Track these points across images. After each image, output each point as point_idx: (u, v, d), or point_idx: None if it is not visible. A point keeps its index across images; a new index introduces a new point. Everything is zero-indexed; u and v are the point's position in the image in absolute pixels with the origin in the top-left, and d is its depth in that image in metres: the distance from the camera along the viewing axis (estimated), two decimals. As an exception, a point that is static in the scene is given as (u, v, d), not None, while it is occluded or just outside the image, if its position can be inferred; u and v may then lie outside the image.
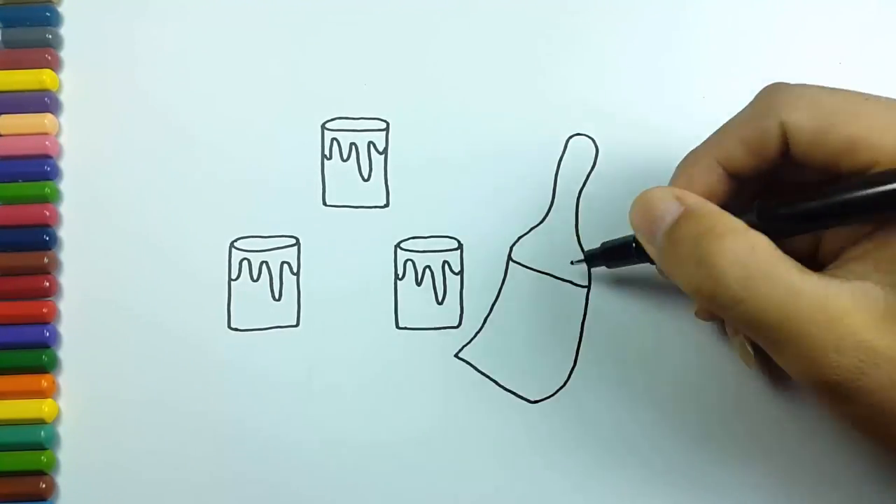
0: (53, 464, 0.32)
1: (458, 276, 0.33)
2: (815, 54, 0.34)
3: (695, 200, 0.26)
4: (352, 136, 0.34)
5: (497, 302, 0.33)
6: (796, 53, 0.34)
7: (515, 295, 0.33)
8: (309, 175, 0.34)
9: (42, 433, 0.32)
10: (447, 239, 0.33)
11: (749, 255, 0.24)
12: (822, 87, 0.25)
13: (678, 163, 0.28)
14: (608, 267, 0.32)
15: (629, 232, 0.29)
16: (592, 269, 0.33)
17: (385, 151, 0.34)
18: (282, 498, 0.32)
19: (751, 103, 0.27)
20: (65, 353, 0.33)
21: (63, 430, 0.33)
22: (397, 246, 0.33)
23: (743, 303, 0.24)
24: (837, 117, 0.24)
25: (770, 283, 0.23)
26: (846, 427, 0.25)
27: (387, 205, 0.34)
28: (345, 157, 0.34)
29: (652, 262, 0.28)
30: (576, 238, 0.33)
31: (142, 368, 0.33)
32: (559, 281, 0.33)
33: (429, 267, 0.33)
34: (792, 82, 0.26)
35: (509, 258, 0.33)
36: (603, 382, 0.32)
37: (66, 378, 0.33)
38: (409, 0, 0.35)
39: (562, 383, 0.32)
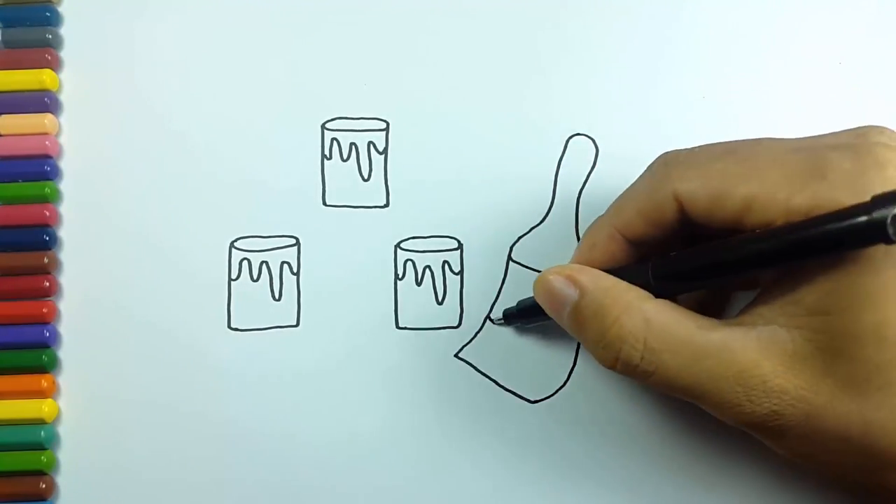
0: (53, 464, 0.32)
1: (458, 276, 0.33)
2: (815, 54, 0.34)
3: (588, 279, 0.27)
4: (352, 136, 0.34)
5: (497, 302, 0.33)
6: (796, 53, 0.34)
7: (515, 295, 0.33)
8: (309, 175, 0.34)
9: (42, 433, 0.32)
10: (447, 239, 0.33)
11: (646, 330, 0.25)
12: (712, 148, 0.26)
13: (584, 230, 0.29)
14: (523, 325, 0.32)
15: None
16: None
17: (385, 151, 0.34)
18: (282, 498, 0.32)
19: (645, 174, 0.27)
20: (65, 353, 0.33)
21: (63, 430, 0.33)
22: (397, 246, 0.33)
23: (653, 375, 0.25)
24: (728, 182, 0.24)
25: (672, 354, 0.24)
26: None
27: (387, 205, 0.34)
28: (345, 157, 0.34)
29: None
30: (576, 238, 0.33)
31: (142, 368, 0.33)
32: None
33: (429, 267, 0.33)
34: (681, 149, 0.26)
35: (509, 258, 0.33)
36: (603, 382, 0.32)
37: (66, 378, 0.33)
38: (409, 0, 0.35)
39: (562, 383, 0.32)
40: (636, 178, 0.28)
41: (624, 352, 0.25)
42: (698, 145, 0.26)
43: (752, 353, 0.24)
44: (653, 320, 0.25)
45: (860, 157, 0.23)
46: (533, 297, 0.29)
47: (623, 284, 0.26)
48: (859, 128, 0.24)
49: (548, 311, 0.28)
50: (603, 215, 0.28)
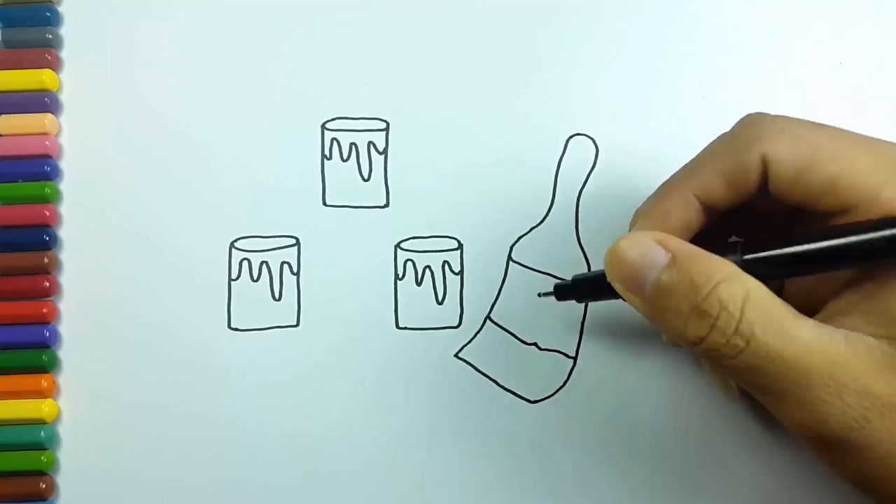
0: (53, 464, 0.32)
1: (458, 276, 0.33)
2: (815, 54, 0.34)
3: (679, 245, 0.24)
4: (352, 136, 0.34)
5: (497, 302, 0.33)
6: (796, 53, 0.34)
7: (515, 295, 0.33)
8: (309, 175, 0.34)
9: (42, 433, 0.32)
10: (447, 239, 0.33)
11: (746, 300, 0.23)
12: (805, 122, 0.24)
13: (651, 194, 0.27)
14: (577, 301, 0.31)
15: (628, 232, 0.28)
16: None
17: (385, 151, 0.34)
18: (282, 497, 0.32)
19: (730, 133, 0.26)
20: (65, 353, 0.33)
21: (63, 430, 0.33)
22: (397, 246, 0.33)
23: (743, 353, 0.23)
24: (820, 155, 0.23)
25: (768, 332, 0.22)
26: (843, 480, 0.24)
27: (387, 205, 0.34)
28: (345, 157, 0.34)
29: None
30: (576, 238, 0.33)
31: (142, 368, 0.33)
32: (559, 281, 0.33)
33: (429, 267, 0.33)
34: (772, 113, 0.25)
35: (509, 258, 0.33)
36: (603, 382, 0.32)
37: (66, 378, 0.33)
38: (409, 0, 0.34)
39: (562, 383, 0.32)
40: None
41: (721, 320, 0.23)
42: (784, 115, 0.24)
43: (843, 351, 0.22)
44: (753, 293, 0.23)
45: None
46: (591, 273, 0.27)
47: (717, 257, 0.24)
48: None
49: (622, 281, 0.25)
50: (674, 178, 0.26)
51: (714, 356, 0.24)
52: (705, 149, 0.26)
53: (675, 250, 0.24)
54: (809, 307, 0.24)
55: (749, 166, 0.24)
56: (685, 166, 0.26)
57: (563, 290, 0.30)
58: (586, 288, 0.29)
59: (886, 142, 0.23)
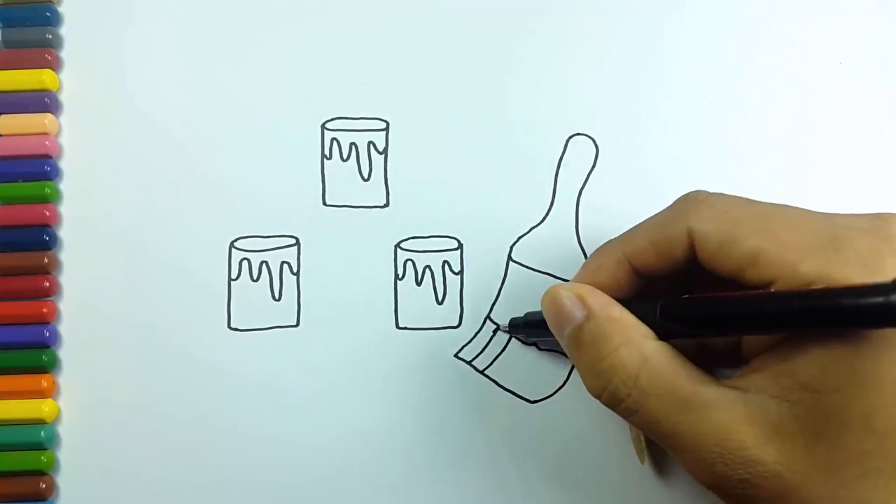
0: (53, 464, 0.32)
1: (458, 276, 0.33)
2: (815, 54, 0.34)
3: (596, 302, 0.26)
4: (352, 136, 0.34)
5: (497, 302, 0.33)
6: (796, 53, 0.34)
7: (515, 295, 0.33)
8: (309, 175, 0.34)
9: (42, 433, 0.32)
10: (447, 239, 0.33)
11: (640, 367, 0.25)
12: (736, 198, 0.25)
13: (593, 251, 0.29)
14: (526, 338, 0.32)
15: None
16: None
17: (385, 151, 0.34)
18: (281, 497, 0.32)
19: (666, 207, 0.27)
20: (65, 353, 0.33)
21: (63, 430, 0.33)
22: (397, 246, 0.33)
23: (636, 414, 0.25)
24: (741, 229, 0.24)
25: (659, 398, 0.24)
26: None
27: (387, 205, 0.34)
28: (345, 157, 0.34)
29: None
30: (576, 238, 0.33)
31: (142, 368, 0.33)
32: (559, 281, 0.33)
33: (429, 267, 0.33)
34: (708, 190, 0.26)
35: (509, 258, 0.33)
36: (603, 382, 0.32)
37: (66, 378, 0.33)
38: (409, 0, 0.35)
39: (561, 383, 0.32)
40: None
41: (613, 384, 0.25)
42: (720, 193, 0.26)
43: (737, 417, 0.23)
44: (650, 360, 0.25)
45: (878, 241, 0.23)
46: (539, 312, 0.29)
47: (630, 318, 0.26)
48: (881, 214, 0.24)
49: (550, 326, 0.28)
50: (613, 239, 0.28)
51: (615, 411, 0.26)
52: (643, 220, 0.28)
53: (591, 307, 0.26)
54: (741, 357, 0.27)
55: (676, 239, 0.26)
56: (624, 232, 0.28)
57: (516, 326, 0.32)
58: (532, 327, 0.31)
59: (811, 213, 0.24)
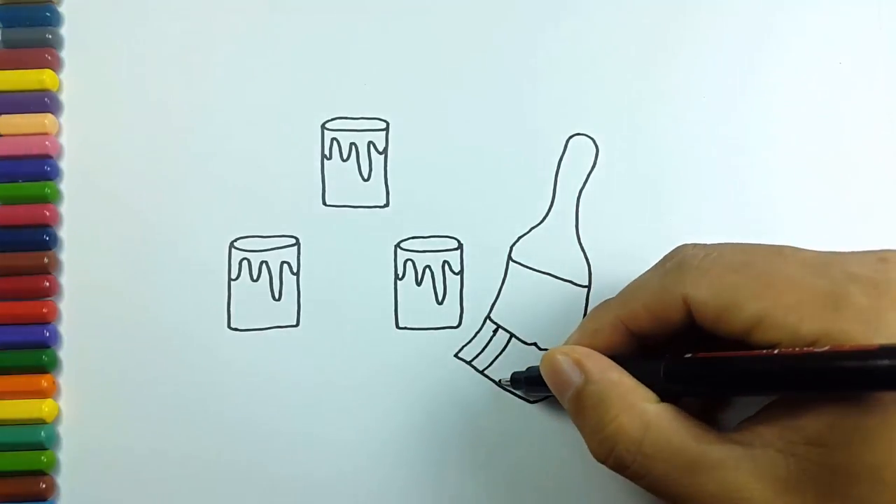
0: (53, 464, 0.32)
1: (458, 276, 0.33)
2: (815, 54, 0.34)
3: (595, 367, 0.26)
4: (352, 136, 0.34)
5: (497, 302, 0.33)
6: (796, 53, 0.34)
7: (515, 295, 0.33)
8: (309, 175, 0.34)
9: (42, 433, 0.32)
10: (447, 239, 0.33)
11: (644, 433, 0.24)
12: (730, 257, 0.25)
13: (589, 311, 0.29)
14: (526, 394, 0.32)
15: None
16: (593, 272, 0.33)
17: (385, 151, 0.34)
18: (282, 497, 0.32)
19: (657, 268, 0.27)
20: (65, 353, 0.33)
21: (63, 430, 0.33)
22: (397, 246, 0.33)
23: (643, 479, 0.25)
24: (740, 295, 0.24)
25: (666, 462, 0.24)
26: None
27: (387, 205, 0.34)
28: (345, 157, 0.34)
29: None
30: (576, 238, 0.33)
31: (142, 368, 0.33)
32: (559, 281, 0.33)
33: (429, 267, 0.33)
34: (700, 246, 0.26)
35: (509, 258, 0.33)
36: (603, 382, 0.32)
37: (66, 378, 0.33)
38: (409, 0, 0.34)
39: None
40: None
41: (617, 451, 0.25)
42: (715, 246, 0.26)
43: (744, 474, 0.23)
44: (652, 425, 0.25)
45: (879, 295, 0.22)
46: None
47: (630, 381, 0.26)
48: (883, 255, 0.24)
49: (551, 389, 0.28)
50: (609, 301, 0.28)
51: (623, 475, 0.26)
52: (638, 279, 0.28)
53: (589, 372, 0.26)
54: (747, 410, 0.26)
55: (672, 305, 0.26)
56: (621, 292, 0.28)
57: (517, 381, 0.31)
58: (533, 384, 0.31)
59: (807, 267, 0.24)
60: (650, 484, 0.25)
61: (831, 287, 0.23)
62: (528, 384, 0.31)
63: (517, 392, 0.32)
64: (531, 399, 0.32)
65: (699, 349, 0.26)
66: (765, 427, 0.24)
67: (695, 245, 0.26)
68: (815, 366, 0.22)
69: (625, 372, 0.26)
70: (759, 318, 0.23)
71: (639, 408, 0.25)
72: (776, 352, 0.23)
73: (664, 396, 0.26)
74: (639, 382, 0.26)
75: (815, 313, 0.23)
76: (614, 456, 0.25)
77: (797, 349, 0.22)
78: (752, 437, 0.24)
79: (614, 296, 0.28)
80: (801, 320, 0.23)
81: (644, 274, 0.28)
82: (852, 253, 0.24)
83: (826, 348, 0.22)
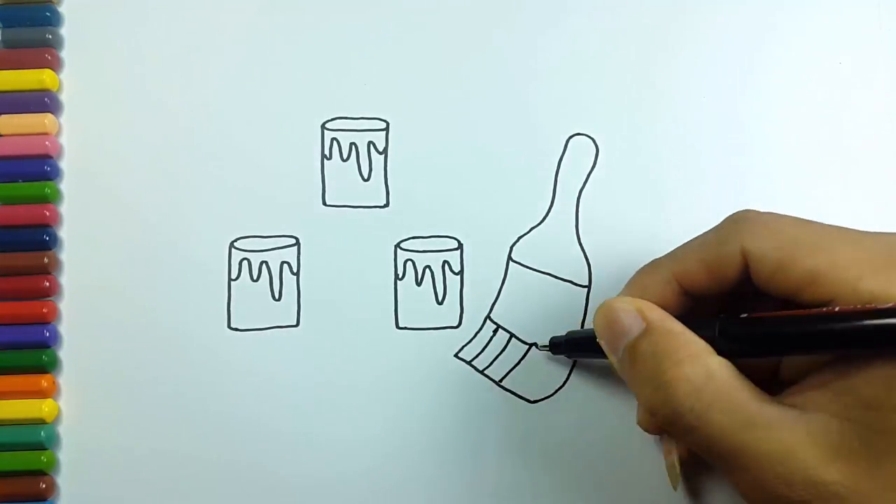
0: (53, 464, 0.32)
1: (458, 276, 0.33)
2: (815, 54, 0.34)
3: (657, 316, 0.26)
4: (352, 136, 0.34)
5: (497, 302, 0.33)
6: (796, 53, 0.34)
7: (515, 295, 0.33)
8: (309, 175, 0.34)
9: (42, 433, 0.32)
10: (447, 239, 0.33)
11: (705, 382, 0.24)
12: (788, 218, 0.25)
13: (637, 270, 0.28)
14: (568, 357, 0.32)
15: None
16: (593, 272, 0.33)
17: (385, 151, 0.34)
18: (282, 497, 0.32)
19: (716, 227, 0.27)
20: (65, 353, 0.33)
21: (63, 430, 0.33)
22: (397, 246, 0.33)
23: (696, 430, 0.24)
24: (799, 250, 0.24)
25: (724, 414, 0.24)
26: None
27: (387, 205, 0.34)
28: (345, 157, 0.34)
29: None
30: (576, 238, 0.33)
31: (142, 368, 0.33)
32: (559, 281, 0.33)
33: (429, 267, 0.33)
34: (759, 209, 0.26)
35: (509, 258, 0.33)
36: (602, 382, 0.32)
37: (66, 378, 0.33)
38: (410, 0, 0.35)
39: (561, 383, 0.32)
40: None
41: (676, 398, 0.24)
42: (769, 211, 0.26)
43: (798, 436, 0.23)
44: (715, 375, 0.24)
45: None
46: (584, 330, 0.29)
47: (691, 334, 0.25)
48: None
49: (603, 340, 0.27)
50: (660, 259, 0.28)
51: (670, 429, 0.25)
52: (692, 239, 0.27)
53: (651, 321, 0.26)
54: (794, 375, 0.26)
55: (730, 259, 0.25)
56: (672, 251, 0.28)
57: (557, 345, 0.31)
58: (579, 344, 0.30)
59: (865, 233, 0.24)
60: (699, 437, 0.24)
61: (890, 247, 0.23)
62: (570, 347, 0.30)
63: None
64: (531, 399, 0.32)
65: (749, 313, 0.25)
66: (817, 392, 0.24)
67: (746, 209, 0.26)
68: (880, 322, 0.21)
69: (685, 326, 0.25)
70: (817, 273, 0.23)
71: (703, 357, 0.24)
72: (836, 309, 0.23)
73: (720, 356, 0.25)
74: (698, 337, 0.25)
75: (874, 271, 0.22)
76: (671, 403, 0.24)
77: (858, 306, 0.22)
78: (805, 401, 0.24)
79: (663, 255, 0.28)
80: (859, 277, 0.22)
81: (695, 237, 0.27)
82: None
83: (892, 304, 0.22)
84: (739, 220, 0.26)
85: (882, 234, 0.24)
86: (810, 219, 0.25)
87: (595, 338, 0.28)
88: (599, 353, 0.27)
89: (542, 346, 0.32)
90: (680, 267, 0.27)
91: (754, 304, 0.26)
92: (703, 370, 0.24)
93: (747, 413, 0.23)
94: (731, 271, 0.25)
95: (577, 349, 0.31)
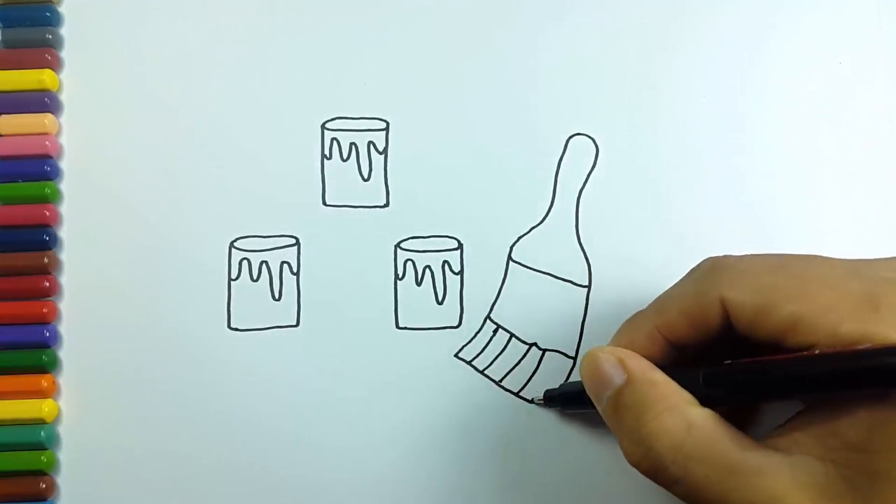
0: (53, 464, 0.32)
1: (458, 276, 0.33)
2: (815, 54, 0.34)
3: (638, 367, 0.26)
4: (352, 136, 0.34)
5: (497, 302, 0.33)
6: (796, 53, 0.34)
7: (515, 295, 0.33)
8: (309, 175, 0.34)
9: (42, 433, 0.32)
10: (447, 239, 0.33)
11: (686, 434, 0.24)
12: (765, 262, 0.25)
13: (622, 323, 0.28)
14: (563, 409, 0.32)
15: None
16: (593, 272, 0.33)
17: (385, 151, 0.34)
18: (281, 497, 0.32)
19: (691, 275, 0.27)
20: (65, 353, 0.33)
21: (63, 430, 0.33)
22: (397, 246, 0.33)
23: (680, 482, 0.24)
24: (777, 297, 0.24)
25: (706, 465, 0.24)
26: None
27: (387, 205, 0.34)
28: (345, 156, 0.34)
29: None
30: (576, 238, 0.33)
31: (142, 368, 0.33)
32: (559, 281, 0.33)
33: (429, 267, 0.33)
34: (731, 255, 0.26)
35: (509, 258, 0.33)
36: (603, 382, 0.32)
37: (66, 378, 0.33)
38: (410, 0, 0.35)
39: (561, 383, 0.32)
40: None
41: (655, 451, 0.24)
42: (746, 255, 0.26)
43: (784, 482, 0.23)
44: (695, 426, 0.24)
45: None
46: (576, 382, 0.29)
47: (672, 384, 0.25)
48: None
49: (588, 389, 0.27)
50: (643, 311, 0.28)
51: (655, 480, 0.25)
52: (671, 288, 0.27)
53: (632, 371, 0.26)
54: (778, 417, 0.26)
55: (710, 309, 0.25)
56: (654, 301, 0.28)
57: (552, 399, 0.31)
58: (572, 398, 0.30)
59: (842, 270, 0.24)
60: (685, 488, 0.24)
61: (868, 288, 0.23)
62: (564, 400, 0.31)
63: (548, 406, 0.32)
64: (531, 399, 0.32)
65: (733, 359, 0.25)
66: (801, 434, 0.24)
67: (724, 255, 0.26)
68: (862, 364, 0.22)
69: (667, 376, 0.26)
70: (797, 319, 0.23)
71: (682, 408, 0.25)
72: (817, 352, 0.23)
73: (704, 405, 0.25)
74: (680, 387, 0.25)
75: (854, 314, 0.22)
76: (651, 456, 0.24)
77: (841, 349, 0.22)
78: (788, 444, 0.24)
79: (645, 307, 0.28)
80: (840, 321, 0.22)
81: (675, 284, 0.27)
82: (879, 259, 0.24)
83: (871, 346, 0.22)
84: (717, 269, 0.26)
85: (860, 267, 0.24)
86: (785, 253, 0.25)
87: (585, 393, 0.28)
88: (591, 405, 0.28)
89: (538, 402, 0.32)
90: (662, 320, 0.27)
91: (739, 351, 0.26)
92: (682, 422, 0.24)
93: (730, 462, 0.24)
94: (713, 321, 0.25)
95: (571, 402, 0.31)
